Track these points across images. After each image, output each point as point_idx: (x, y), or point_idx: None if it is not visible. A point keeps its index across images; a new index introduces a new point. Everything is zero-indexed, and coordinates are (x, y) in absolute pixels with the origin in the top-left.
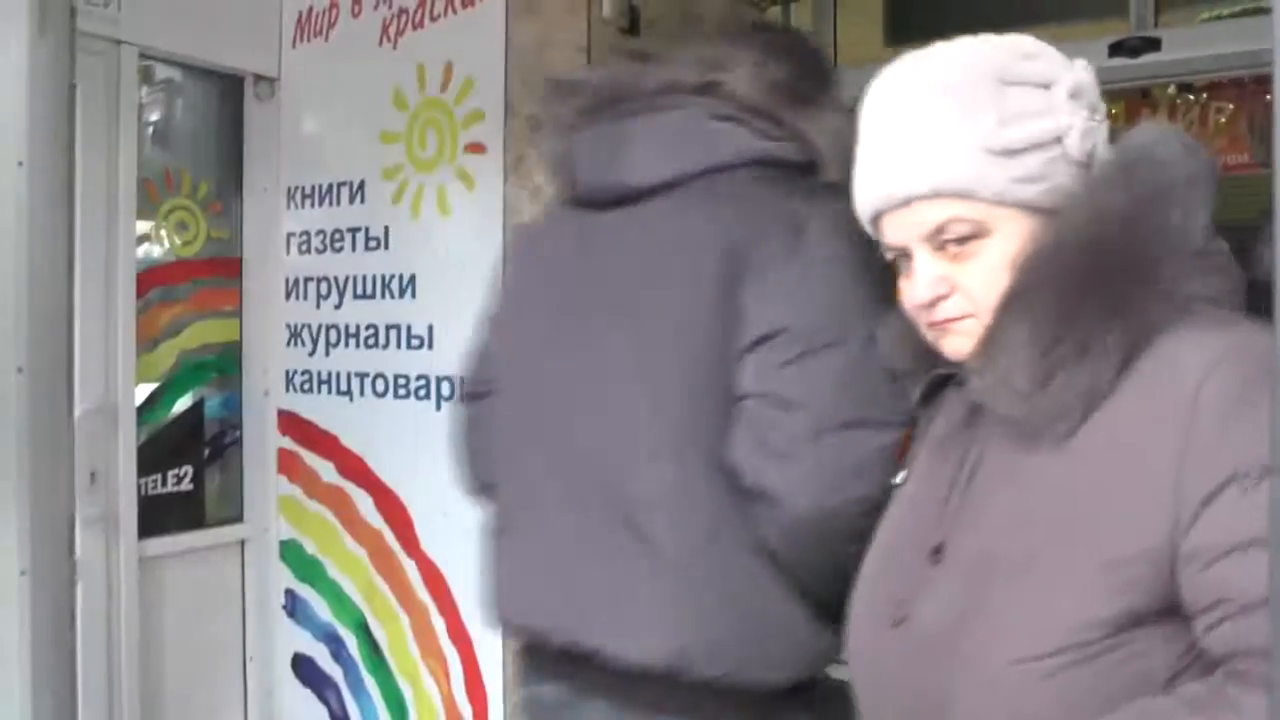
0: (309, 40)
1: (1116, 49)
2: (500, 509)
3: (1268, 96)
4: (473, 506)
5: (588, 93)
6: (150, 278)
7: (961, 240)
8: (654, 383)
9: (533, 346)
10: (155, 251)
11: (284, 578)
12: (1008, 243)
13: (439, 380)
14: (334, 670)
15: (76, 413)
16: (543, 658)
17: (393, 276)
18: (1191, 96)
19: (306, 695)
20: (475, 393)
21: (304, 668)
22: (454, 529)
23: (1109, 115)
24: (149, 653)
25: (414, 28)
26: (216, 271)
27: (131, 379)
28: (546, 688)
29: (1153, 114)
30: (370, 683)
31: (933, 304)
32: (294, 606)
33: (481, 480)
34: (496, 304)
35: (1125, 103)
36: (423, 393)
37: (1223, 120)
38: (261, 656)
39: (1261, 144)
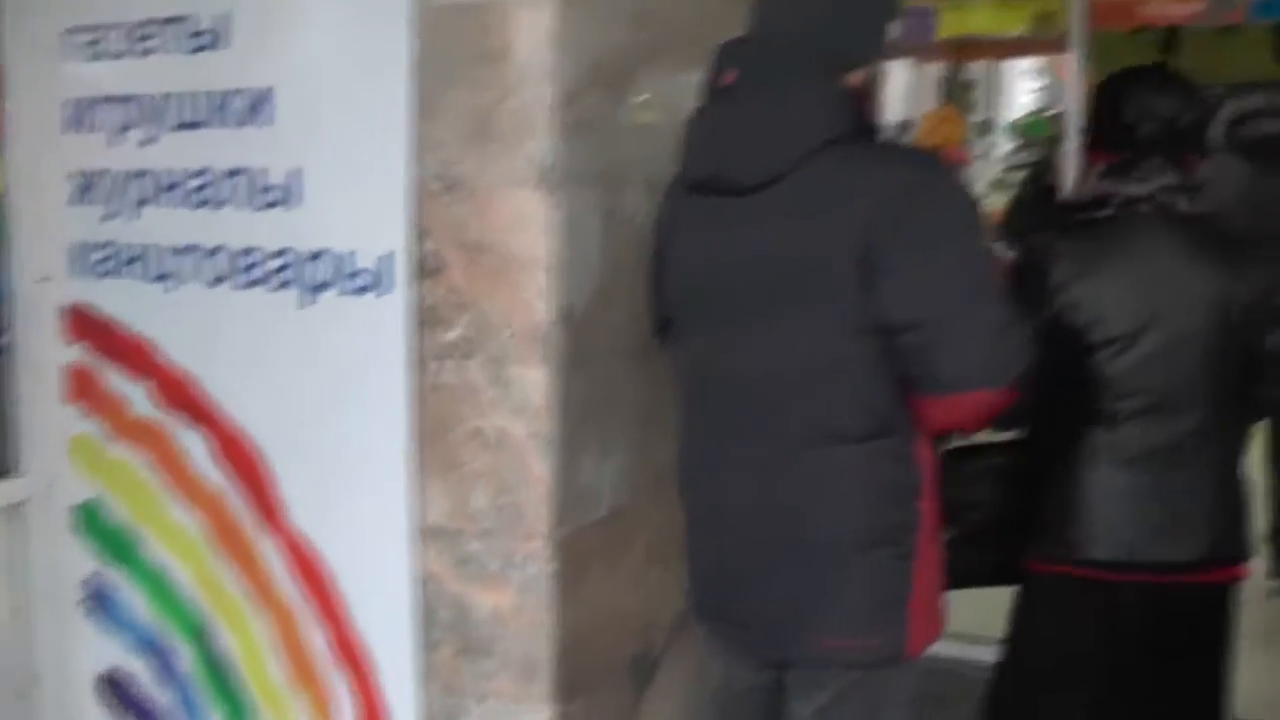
0: None
1: None
2: None
3: None
4: (362, 460)
5: None
6: None
7: None
8: None
9: None
10: None
11: (81, 559)
12: None
13: (310, 258)
14: (160, 695)
15: None
16: None
17: (236, 92)
18: None
19: None
20: None
21: (116, 690)
22: (336, 491)
23: None
24: None
25: None
26: None
27: None
28: None
29: None
30: (214, 715)
31: None
32: (99, 601)
33: None
34: None
35: None
36: (285, 277)
37: None
38: (53, 675)
39: None
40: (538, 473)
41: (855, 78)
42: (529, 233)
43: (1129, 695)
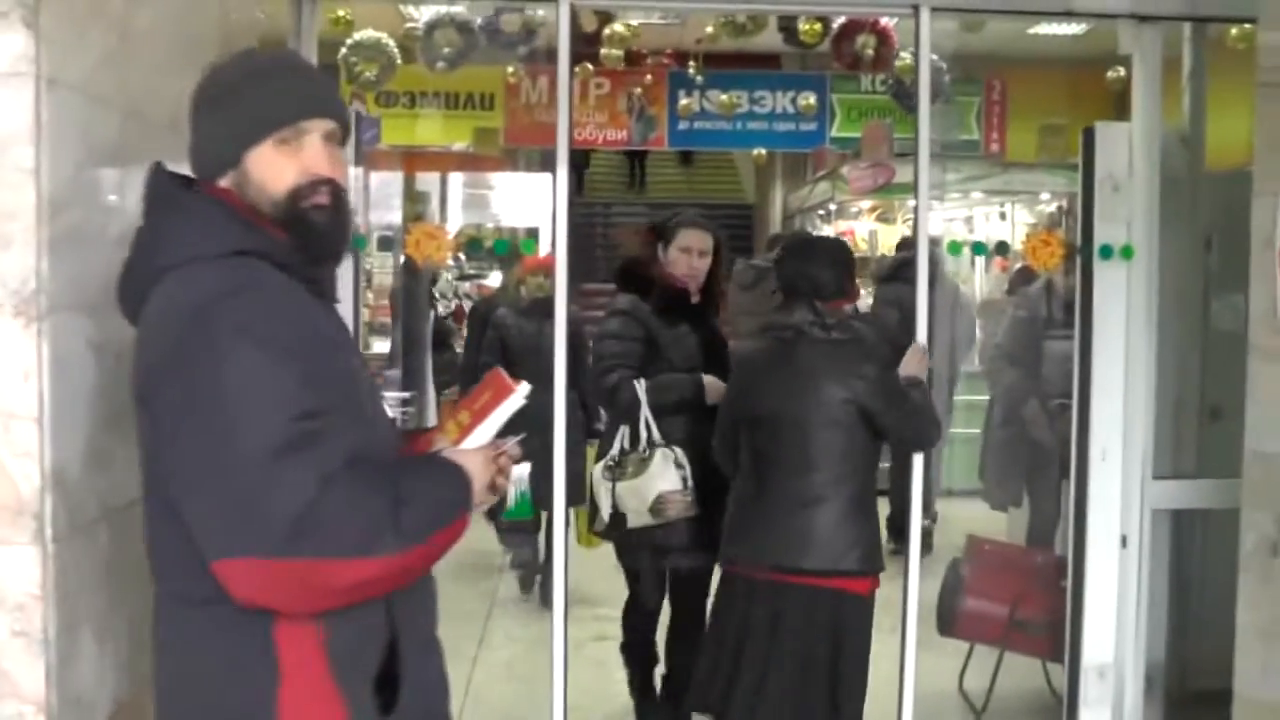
0: None
1: None
2: None
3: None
4: None
5: None
6: None
7: None
8: None
9: None
10: None
11: None
12: None
13: None
14: None
15: None
16: None
17: None
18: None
19: None
20: None
21: None
22: None
23: None
24: None
25: None
26: None
27: None
28: None
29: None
30: None
31: None
32: None
33: None
34: None
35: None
36: None
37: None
38: None
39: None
40: (28, 684)
41: (225, 182)
42: (5, 376)
43: (773, 666)
